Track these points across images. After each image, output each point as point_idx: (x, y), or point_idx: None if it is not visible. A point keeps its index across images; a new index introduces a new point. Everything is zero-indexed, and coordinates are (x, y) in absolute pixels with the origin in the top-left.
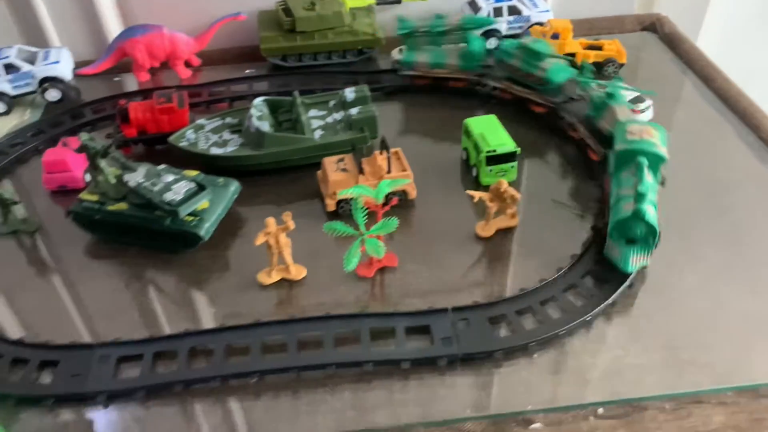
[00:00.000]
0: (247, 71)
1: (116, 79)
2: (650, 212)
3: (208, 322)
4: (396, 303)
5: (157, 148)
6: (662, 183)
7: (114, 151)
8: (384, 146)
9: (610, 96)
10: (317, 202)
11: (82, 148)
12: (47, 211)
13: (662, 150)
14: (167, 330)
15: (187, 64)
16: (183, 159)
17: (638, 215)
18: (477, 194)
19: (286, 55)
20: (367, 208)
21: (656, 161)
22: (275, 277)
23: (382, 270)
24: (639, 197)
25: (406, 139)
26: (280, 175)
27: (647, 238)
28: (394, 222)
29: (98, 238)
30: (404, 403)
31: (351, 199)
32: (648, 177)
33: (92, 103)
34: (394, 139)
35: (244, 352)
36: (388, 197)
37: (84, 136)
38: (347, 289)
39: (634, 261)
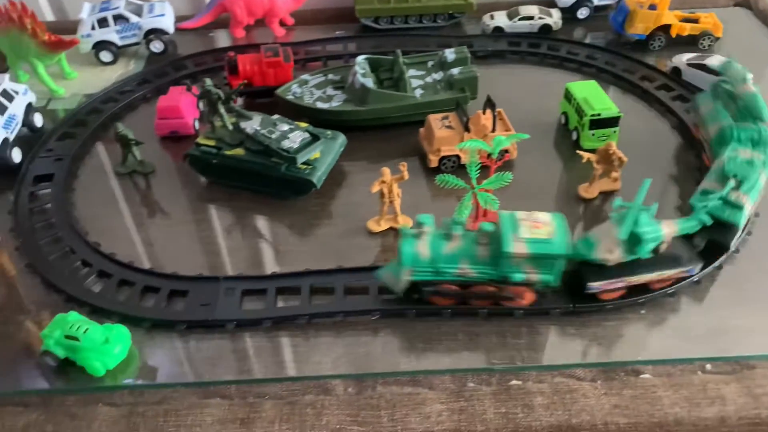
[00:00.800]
0: (337, 32)
1: (210, 34)
2: (411, 245)
3: (321, 263)
4: None
5: (257, 101)
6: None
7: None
8: (490, 105)
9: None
10: (417, 159)
11: (204, 93)
12: (157, 156)
13: (511, 244)
14: (283, 269)
15: (281, 23)
16: (286, 112)
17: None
18: (586, 155)
19: (378, 17)
20: (480, 163)
21: (500, 249)
22: (384, 225)
23: None
24: (418, 223)
25: (500, 102)
26: (380, 132)
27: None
28: (509, 176)
29: (208, 183)
30: (517, 348)
31: (454, 155)
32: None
33: (193, 55)
34: None
35: (363, 291)
36: (501, 153)
37: (207, 82)
38: None
39: (385, 275)
